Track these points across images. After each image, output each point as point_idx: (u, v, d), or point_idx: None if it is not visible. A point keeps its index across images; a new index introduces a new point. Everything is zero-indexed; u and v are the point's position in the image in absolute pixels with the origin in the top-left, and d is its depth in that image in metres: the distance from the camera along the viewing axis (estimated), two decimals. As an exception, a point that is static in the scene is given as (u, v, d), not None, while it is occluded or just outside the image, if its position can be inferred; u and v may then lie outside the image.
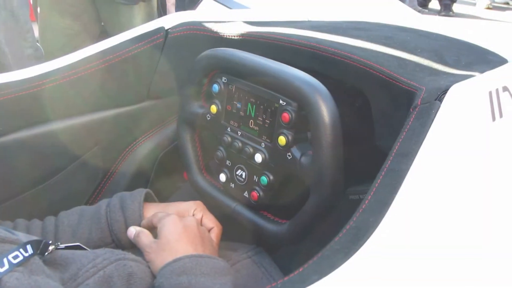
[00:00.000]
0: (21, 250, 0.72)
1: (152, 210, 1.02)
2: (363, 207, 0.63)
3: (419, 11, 4.89)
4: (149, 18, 2.32)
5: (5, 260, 0.68)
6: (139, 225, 0.99)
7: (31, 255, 0.73)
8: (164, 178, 1.30)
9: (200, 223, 1.00)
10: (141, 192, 1.03)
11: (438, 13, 5.48)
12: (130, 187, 1.18)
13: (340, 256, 0.57)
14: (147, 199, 1.04)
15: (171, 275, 0.79)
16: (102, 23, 2.40)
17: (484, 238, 0.71)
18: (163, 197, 1.25)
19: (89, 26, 2.33)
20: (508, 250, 0.73)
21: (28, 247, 0.74)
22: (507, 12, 5.85)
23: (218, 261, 0.83)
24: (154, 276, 0.85)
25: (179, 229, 0.90)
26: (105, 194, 1.23)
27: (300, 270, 0.56)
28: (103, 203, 1.03)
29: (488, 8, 5.96)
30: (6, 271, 0.67)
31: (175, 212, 1.02)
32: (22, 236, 0.78)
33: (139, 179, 1.25)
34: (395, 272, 0.61)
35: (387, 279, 0.60)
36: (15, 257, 0.70)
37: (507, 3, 6.14)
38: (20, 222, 0.99)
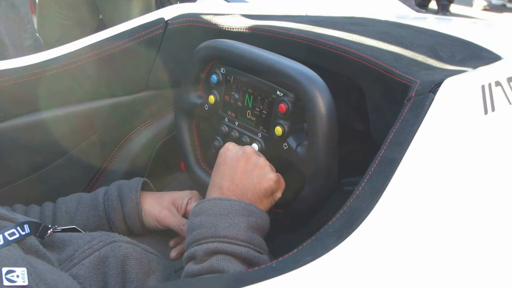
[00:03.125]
0: (18, 228, 0.73)
1: (148, 199, 1.03)
2: (357, 193, 0.65)
3: (416, 11, 4.91)
4: (148, 11, 2.32)
5: (1, 236, 0.69)
6: (137, 214, 1.00)
7: (27, 234, 0.74)
8: (161, 168, 1.31)
9: None
10: (138, 181, 1.04)
11: (435, 13, 5.50)
12: (127, 175, 1.19)
13: (333, 239, 0.58)
14: (144, 188, 1.05)
15: (191, 216, 0.84)
16: (100, 16, 2.41)
17: (474, 223, 0.73)
18: (160, 187, 1.26)
19: (86, 18, 2.33)
20: (495, 232, 0.75)
21: (26, 226, 0.75)
22: (504, 13, 5.88)
23: (238, 203, 0.83)
24: (149, 258, 0.87)
25: (223, 159, 0.91)
26: (103, 182, 1.24)
27: (294, 251, 0.57)
28: (100, 191, 1.04)
29: (485, 9, 5.99)
30: (1, 246, 0.68)
31: (170, 201, 1.03)
32: (21, 218, 0.79)
33: (136, 168, 1.27)
34: (387, 256, 0.63)
35: (379, 262, 0.62)
36: (11, 234, 0.72)
37: (504, 5, 6.17)
38: (18, 207, 1.01)
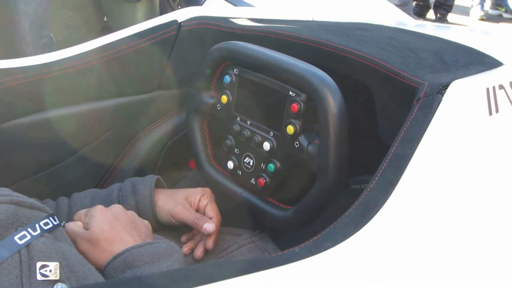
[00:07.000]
0: (50, 218, 0.76)
1: (162, 195, 1.06)
2: (371, 186, 0.69)
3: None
4: (152, 15, 2.35)
5: (37, 225, 0.73)
6: (151, 211, 1.03)
7: (58, 225, 0.78)
8: (171, 166, 1.34)
9: (203, 210, 1.04)
10: (152, 178, 1.07)
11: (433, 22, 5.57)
12: (138, 173, 1.22)
13: (351, 227, 0.62)
14: (157, 185, 1.08)
15: (115, 273, 0.77)
16: (105, 18, 2.44)
17: (481, 216, 0.77)
18: (169, 185, 1.28)
19: (91, 20, 2.37)
20: (495, 228, 0.79)
21: (56, 217, 0.78)
22: (500, 23, 5.96)
23: (158, 245, 0.81)
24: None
25: (109, 217, 0.86)
26: (114, 180, 1.26)
27: (315, 238, 0.61)
28: (115, 187, 1.07)
29: (482, 19, 6.06)
30: (38, 235, 0.72)
31: (184, 197, 1.06)
32: (48, 209, 0.83)
33: (146, 167, 1.29)
34: (400, 244, 0.66)
35: (393, 249, 0.65)
36: (46, 224, 0.75)
37: (500, 15, 6.25)
38: None
